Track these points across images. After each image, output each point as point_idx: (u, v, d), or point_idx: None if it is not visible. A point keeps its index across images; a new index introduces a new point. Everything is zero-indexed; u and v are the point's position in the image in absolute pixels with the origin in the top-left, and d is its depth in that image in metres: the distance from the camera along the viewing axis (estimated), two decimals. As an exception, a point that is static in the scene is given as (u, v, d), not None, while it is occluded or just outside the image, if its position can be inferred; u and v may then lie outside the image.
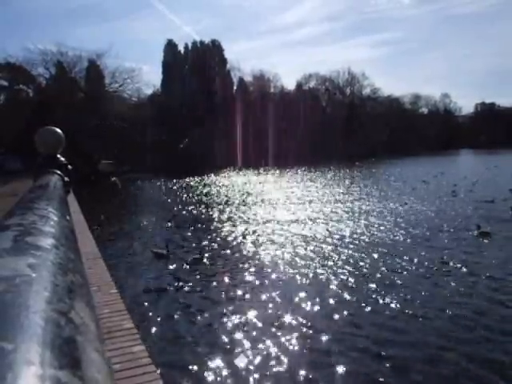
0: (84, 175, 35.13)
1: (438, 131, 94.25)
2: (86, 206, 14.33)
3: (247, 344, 7.34)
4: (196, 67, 69.72)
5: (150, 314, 8.88)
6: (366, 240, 15.00)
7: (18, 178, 19.19)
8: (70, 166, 2.34)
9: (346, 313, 8.61)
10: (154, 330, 8.05)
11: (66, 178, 2.06)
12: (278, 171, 53.07)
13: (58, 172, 2.06)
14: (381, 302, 9.18)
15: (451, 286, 9.93)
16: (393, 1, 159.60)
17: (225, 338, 7.58)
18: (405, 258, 12.45)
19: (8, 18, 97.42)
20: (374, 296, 9.48)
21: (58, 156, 2.34)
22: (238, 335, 7.71)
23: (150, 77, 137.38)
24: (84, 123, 45.81)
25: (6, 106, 47.84)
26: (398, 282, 10.40)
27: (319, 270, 11.43)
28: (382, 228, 17.00)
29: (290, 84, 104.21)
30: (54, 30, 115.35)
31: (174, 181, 41.36)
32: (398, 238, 15.21)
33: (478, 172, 41.55)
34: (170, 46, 71.69)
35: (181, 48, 72.73)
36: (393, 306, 8.95)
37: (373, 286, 10.15)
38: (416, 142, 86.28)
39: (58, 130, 2.46)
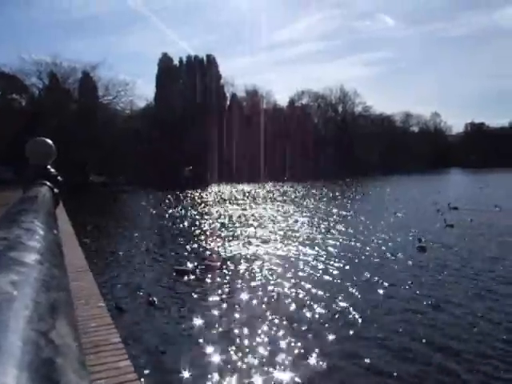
0: (75, 186, 34.93)
1: (428, 150, 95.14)
2: (76, 218, 14.21)
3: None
4: (190, 81, 70.06)
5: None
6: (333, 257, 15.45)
7: (9, 187, 18.99)
8: (60, 178, 2.32)
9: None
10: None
11: (56, 190, 2.04)
12: (269, 186, 53.21)
13: (48, 183, 2.04)
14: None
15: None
16: (381, 22, 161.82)
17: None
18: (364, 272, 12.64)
19: (2, 27, 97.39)
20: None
21: (49, 167, 2.32)
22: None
23: (144, 90, 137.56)
24: (76, 134, 45.71)
25: (-1, 115, 47.63)
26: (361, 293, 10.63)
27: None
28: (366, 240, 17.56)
29: (283, 100, 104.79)
30: (49, 41, 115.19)
31: (163, 194, 41.25)
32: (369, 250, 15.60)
33: (466, 192, 43.14)
34: (165, 59, 71.95)
35: (176, 62, 73.13)
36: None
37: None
38: (407, 160, 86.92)
39: (49, 141, 2.44)
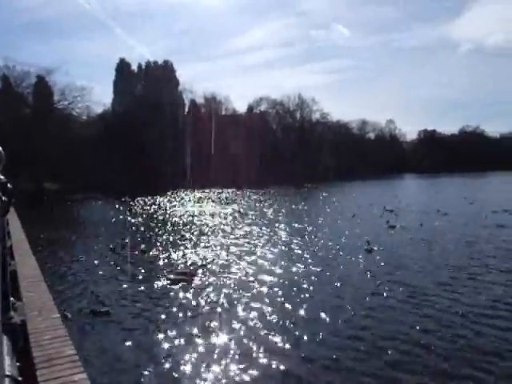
0: (28, 194, 33.74)
1: (384, 156, 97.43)
2: (29, 227, 13.76)
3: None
4: (148, 87, 69.20)
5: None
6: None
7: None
8: (9, 185, 2.22)
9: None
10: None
11: (4, 198, 1.95)
12: (229, 193, 53.10)
13: (-5, 191, 1.95)
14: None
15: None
16: (337, 32, 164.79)
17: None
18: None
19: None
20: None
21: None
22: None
23: (101, 96, 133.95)
24: (29, 140, 44.24)
25: None
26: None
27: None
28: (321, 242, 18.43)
29: (241, 107, 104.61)
30: (3, 43, 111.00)
31: (120, 200, 40.52)
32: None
33: (416, 196, 46.33)
34: (123, 64, 70.87)
35: (134, 68, 72.14)
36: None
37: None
38: (363, 166, 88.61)
39: (-2, 147, 2.34)
